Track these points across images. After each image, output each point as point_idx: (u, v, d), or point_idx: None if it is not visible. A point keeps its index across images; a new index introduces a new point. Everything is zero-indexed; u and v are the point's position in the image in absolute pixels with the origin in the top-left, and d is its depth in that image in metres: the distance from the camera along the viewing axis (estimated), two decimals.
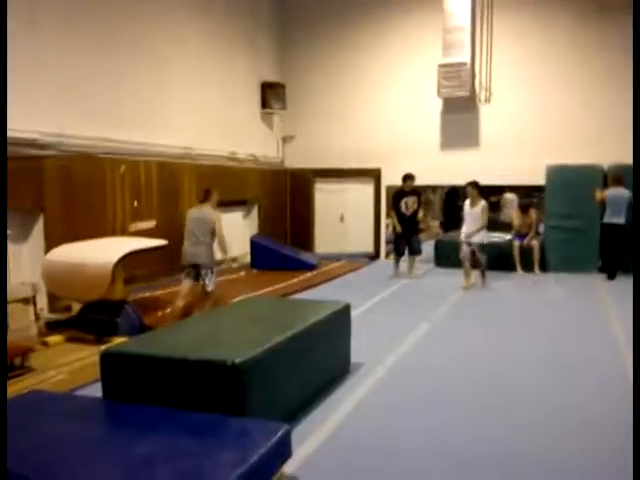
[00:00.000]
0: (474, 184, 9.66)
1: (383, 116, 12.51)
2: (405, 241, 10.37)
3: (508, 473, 3.49)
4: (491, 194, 14.50)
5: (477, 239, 9.62)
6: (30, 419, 3.43)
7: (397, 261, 10.57)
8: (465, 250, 9.70)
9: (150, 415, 3.42)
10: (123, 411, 3.58)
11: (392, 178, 11.57)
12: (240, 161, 11.66)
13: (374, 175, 12.77)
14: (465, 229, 9.71)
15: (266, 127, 12.88)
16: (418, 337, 6.48)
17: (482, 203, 9.55)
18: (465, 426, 4.14)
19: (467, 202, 9.76)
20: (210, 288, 7.25)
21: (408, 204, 10.28)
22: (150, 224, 9.05)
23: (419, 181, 10.79)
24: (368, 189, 12.93)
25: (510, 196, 14.46)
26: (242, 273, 10.41)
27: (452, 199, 14.38)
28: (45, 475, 2.72)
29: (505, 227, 12.03)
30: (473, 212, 9.60)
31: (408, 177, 10.34)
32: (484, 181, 12.01)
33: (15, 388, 4.68)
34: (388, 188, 12.28)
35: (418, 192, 10.45)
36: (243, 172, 11.61)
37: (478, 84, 11.79)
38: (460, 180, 10.36)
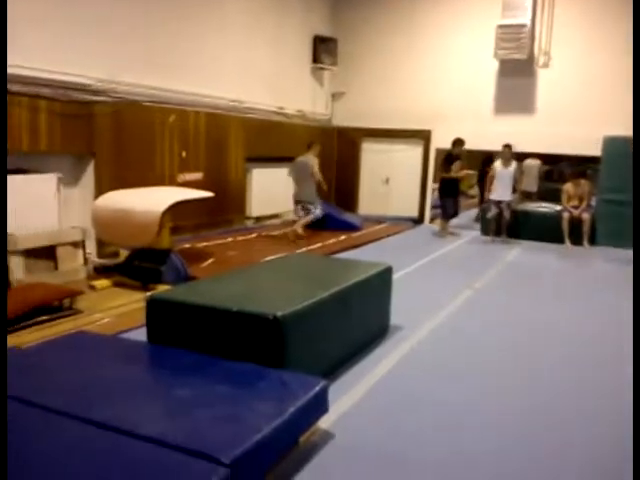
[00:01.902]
0: (510, 145, 10.04)
1: (436, 76, 12.14)
2: (452, 203, 10.59)
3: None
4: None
5: (509, 198, 10.08)
6: (75, 358, 3.54)
7: (445, 225, 10.73)
8: (493, 211, 10.04)
9: (191, 361, 3.49)
10: (166, 355, 3.66)
11: (442, 141, 11.35)
12: (288, 117, 11.57)
13: (424, 137, 12.48)
14: (499, 189, 9.95)
15: (316, 83, 12.71)
16: (459, 304, 6.42)
17: (515, 164, 9.94)
18: (497, 396, 4.11)
19: (498, 162, 10.06)
20: (304, 220, 9.36)
21: (456, 168, 10.43)
22: (197, 176, 9.14)
23: (470, 146, 10.68)
24: (417, 151, 12.66)
25: (531, 162, 13.56)
26: (286, 230, 10.42)
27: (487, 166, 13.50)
28: (85, 412, 2.79)
29: (554, 197, 11.65)
30: (507, 172, 9.92)
31: (458, 142, 10.41)
32: (537, 149, 11.79)
33: (62, 328, 4.84)
34: (438, 151, 12.05)
35: (459, 157, 10.60)
36: (290, 128, 11.52)
37: (537, 48, 11.30)
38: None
